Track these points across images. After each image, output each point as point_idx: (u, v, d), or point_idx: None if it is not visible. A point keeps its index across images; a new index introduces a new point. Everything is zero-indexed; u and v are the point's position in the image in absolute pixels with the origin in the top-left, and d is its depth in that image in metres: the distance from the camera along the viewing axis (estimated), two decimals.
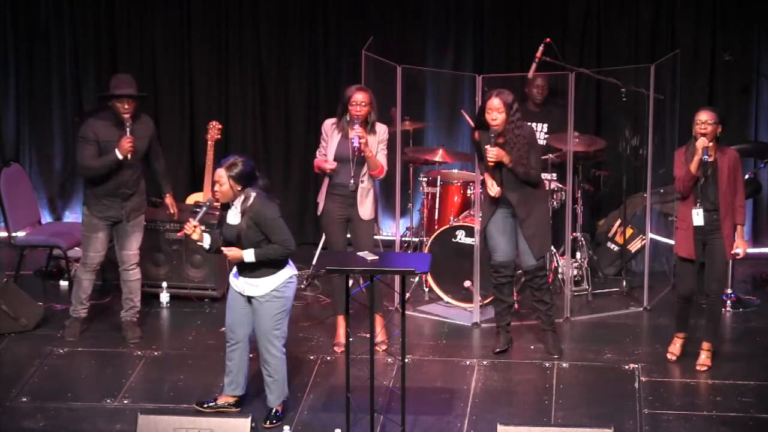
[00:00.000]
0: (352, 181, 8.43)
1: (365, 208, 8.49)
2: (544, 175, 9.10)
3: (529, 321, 9.00)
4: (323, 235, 10.10)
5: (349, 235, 8.65)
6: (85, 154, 8.54)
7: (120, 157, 8.45)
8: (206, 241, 7.45)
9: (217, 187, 7.31)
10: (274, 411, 7.51)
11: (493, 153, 8.20)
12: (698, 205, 8.16)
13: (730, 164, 8.14)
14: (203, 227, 7.46)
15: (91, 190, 8.67)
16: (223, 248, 7.39)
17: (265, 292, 7.36)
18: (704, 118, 8.09)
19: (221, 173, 7.26)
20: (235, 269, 7.48)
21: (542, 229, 8.47)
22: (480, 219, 8.67)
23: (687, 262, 8.27)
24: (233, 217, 7.35)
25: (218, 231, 7.45)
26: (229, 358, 7.57)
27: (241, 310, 7.48)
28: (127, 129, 8.46)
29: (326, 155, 8.49)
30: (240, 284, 7.44)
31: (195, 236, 7.38)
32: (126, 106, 8.49)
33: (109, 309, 9.32)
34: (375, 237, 8.79)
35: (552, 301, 8.71)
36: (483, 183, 8.49)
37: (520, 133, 8.25)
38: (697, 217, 8.18)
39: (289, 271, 7.43)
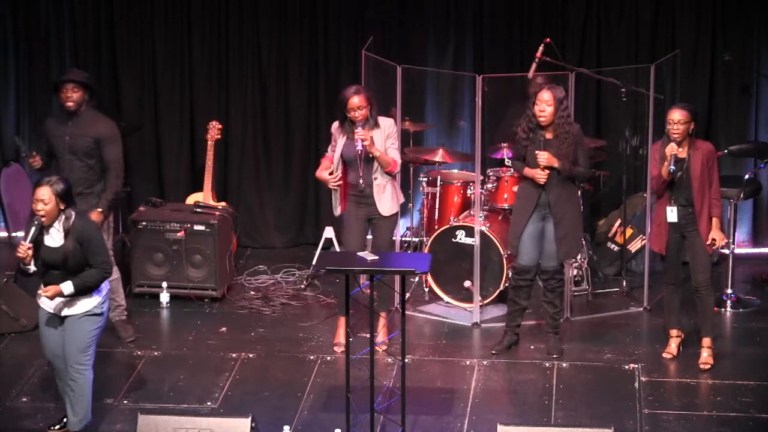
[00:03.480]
0: (361, 181, 8.41)
1: (384, 204, 8.44)
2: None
3: (529, 321, 9.00)
4: (323, 235, 10.15)
5: (369, 237, 8.62)
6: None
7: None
8: (33, 266, 7.00)
9: (41, 206, 6.85)
10: None
11: (544, 157, 8.17)
12: (672, 202, 8.16)
13: (703, 159, 8.08)
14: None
15: None
16: (40, 291, 6.99)
17: (85, 309, 7.06)
18: (677, 118, 8.00)
19: (45, 192, 6.84)
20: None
21: (573, 232, 8.42)
22: (513, 222, 8.49)
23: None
24: (54, 239, 6.95)
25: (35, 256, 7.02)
26: (64, 389, 7.25)
27: (60, 334, 7.12)
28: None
29: (333, 156, 8.46)
30: (55, 306, 7.06)
31: (27, 259, 6.95)
32: (68, 94, 8.42)
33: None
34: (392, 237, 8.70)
35: (561, 305, 8.70)
36: (520, 184, 8.43)
37: (569, 129, 8.22)
38: (671, 214, 8.17)
39: (105, 286, 7.16)
